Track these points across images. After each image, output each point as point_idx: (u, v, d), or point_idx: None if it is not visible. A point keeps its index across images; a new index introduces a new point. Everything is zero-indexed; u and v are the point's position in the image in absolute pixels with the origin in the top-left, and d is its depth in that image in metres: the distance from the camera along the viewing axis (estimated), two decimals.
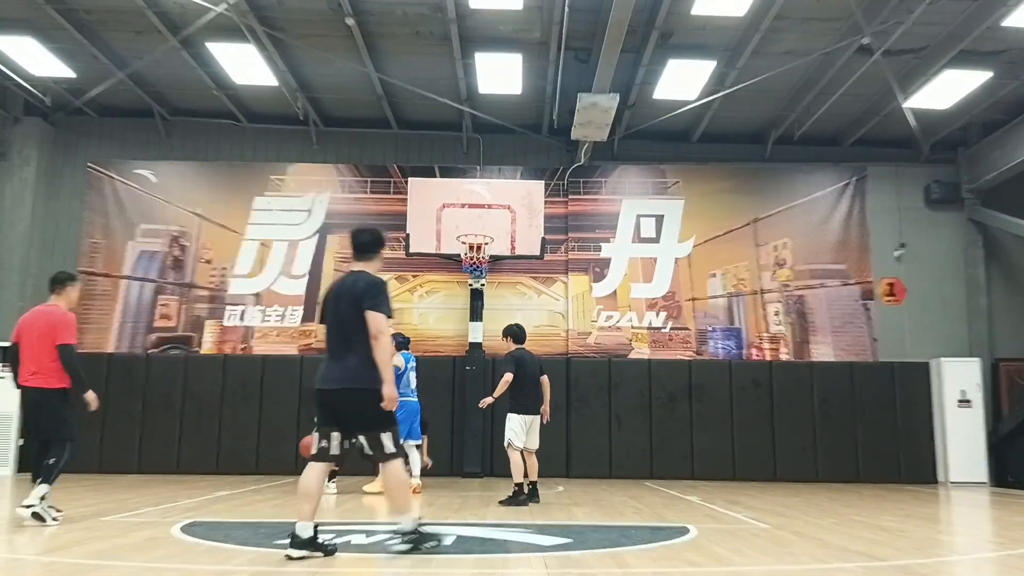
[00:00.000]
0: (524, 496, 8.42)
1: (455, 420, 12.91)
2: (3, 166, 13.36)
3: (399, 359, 9.77)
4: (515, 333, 8.88)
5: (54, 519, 6.36)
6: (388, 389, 4.96)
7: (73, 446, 6.60)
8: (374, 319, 4.99)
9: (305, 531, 4.90)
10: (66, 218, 13.67)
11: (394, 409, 5.05)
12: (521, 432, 8.45)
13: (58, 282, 6.95)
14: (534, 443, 8.59)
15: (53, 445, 6.53)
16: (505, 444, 8.51)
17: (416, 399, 9.92)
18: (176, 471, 12.43)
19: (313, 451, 5.09)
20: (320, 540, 4.97)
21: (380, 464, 5.12)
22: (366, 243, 5.44)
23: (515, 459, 8.40)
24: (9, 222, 13.27)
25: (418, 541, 5.13)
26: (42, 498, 6.32)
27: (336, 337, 5.09)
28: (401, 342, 10.03)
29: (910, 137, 13.34)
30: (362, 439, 5.03)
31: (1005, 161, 12.92)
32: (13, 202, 13.33)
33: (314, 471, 5.02)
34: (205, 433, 12.79)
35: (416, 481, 9.49)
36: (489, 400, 8.85)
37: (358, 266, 5.39)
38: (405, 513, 5.16)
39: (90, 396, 6.74)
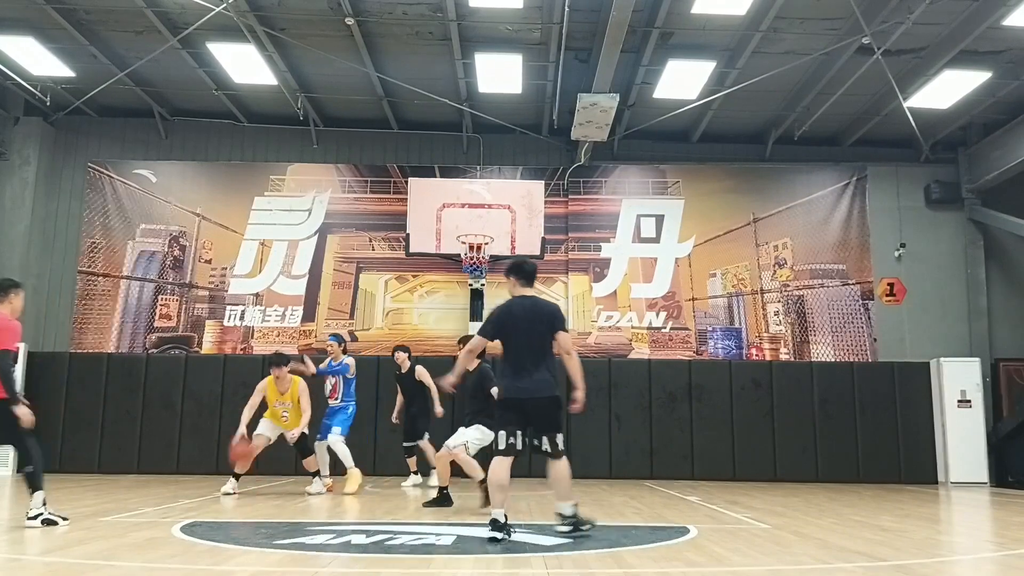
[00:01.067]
0: (436, 499, 8.08)
1: (455, 420, 12.87)
2: (3, 166, 13.37)
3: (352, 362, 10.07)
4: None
5: (64, 518, 6.34)
6: (581, 394, 5.96)
7: (36, 441, 6.42)
8: (567, 339, 6.01)
9: (501, 516, 5.67)
10: (66, 218, 13.67)
11: (583, 411, 6.05)
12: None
13: (1, 289, 6.80)
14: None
15: (18, 450, 6.42)
16: (455, 447, 7.80)
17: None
18: (176, 471, 12.43)
19: (501, 447, 5.85)
20: (509, 524, 5.72)
21: (551, 459, 5.90)
22: (532, 272, 6.35)
23: (467, 459, 7.78)
24: (9, 222, 13.27)
25: (577, 524, 5.89)
26: (44, 503, 6.29)
27: (529, 353, 5.88)
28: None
29: (910, 137, 13.33)
30: (545, 439, 5.89)
31: (1005, 161, 12.91)
32: (13, 202, 13.33)
33: (502, 464, 5.79)
34: (205, 433, 12.78)
35: (328, 481, 9.72)
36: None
37: (527, 291, 6.26)
38: (567, 500, 5.95)
39: (21, 411, 6.20)
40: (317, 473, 9.52)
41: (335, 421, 9.85)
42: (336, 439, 9.75)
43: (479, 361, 7.83)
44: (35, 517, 6.20)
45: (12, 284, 6.99)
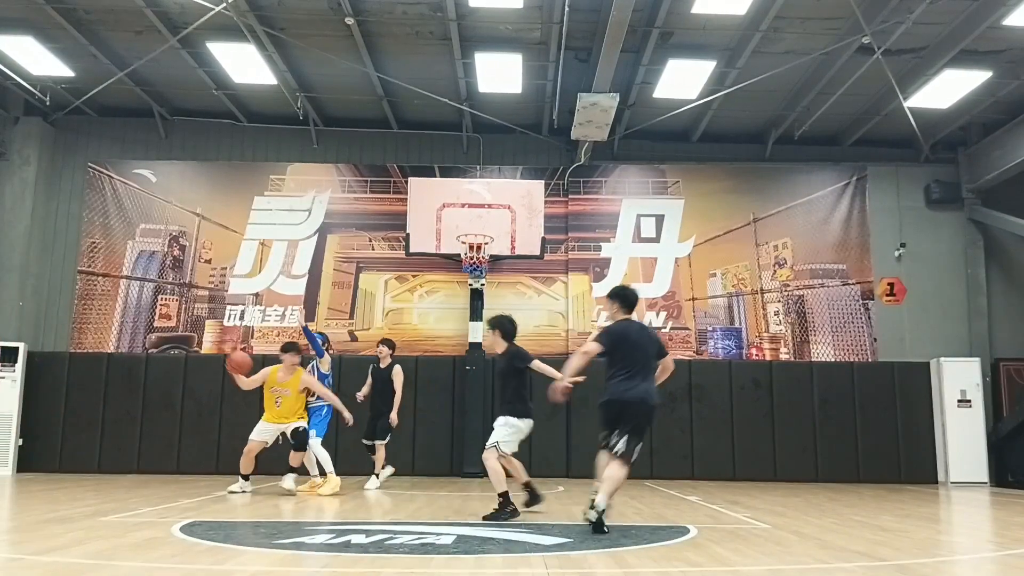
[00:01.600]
0: (512, 508, 7.47)
1: (455, 420, 12.90)
2: (3, 166, 13.36)
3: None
4: (506, 329, 8.16)
5: None
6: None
7: None
8: (670, 361, 6.95)
9: (603, 503, 6.29)
10: (66, 218, 13.66)
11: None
12: (518, 439, 7.64)
13: None
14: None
15: None
16: (488, 448, 7.42)
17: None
18: (176, 471, 12.44)
19: (618, 448, 6.49)
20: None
21: (616, 460, 6.45)
22: (635, 299, 7.03)
23: (496, 467, 7.36)
24: (9, 222, 13.27)
25: (603, 515, 6.34)
26: None
27: (641, 368, 6.63)
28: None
29: (910, 137, 13.33)
30: (623, 440, 6.51)
31: (1005, 161, 12.91)
32: (13, 202, 13.33)
33: (608, 460, 6.56)
34: (205, 433, 12.79)
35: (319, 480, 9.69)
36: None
37: (630, 315, 6.94)
38: (609, 497, 6.42)
39: None
40: (294, 470, 9.46)
41: (311, 424, 9.73)
42: (314, 442, 9.66)
43: (507, 344, 7.58)
44: None
45: None
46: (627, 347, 6.68)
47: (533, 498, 7.60)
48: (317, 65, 11.99)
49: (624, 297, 6.97)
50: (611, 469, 6.44)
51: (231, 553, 5.10)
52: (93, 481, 10.86)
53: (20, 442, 12.52)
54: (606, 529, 6.25)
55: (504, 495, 7.19)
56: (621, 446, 6.48)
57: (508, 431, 7.35)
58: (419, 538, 5.82)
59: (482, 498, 9.16)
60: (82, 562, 4.72)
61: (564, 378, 6.72)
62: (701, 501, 9.07)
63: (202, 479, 11.50)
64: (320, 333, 10.63)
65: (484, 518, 7.11)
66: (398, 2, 10.39)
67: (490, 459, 7.25)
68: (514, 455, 7.44)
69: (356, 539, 5.72)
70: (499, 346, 7.63)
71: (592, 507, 6.31)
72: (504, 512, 7.12)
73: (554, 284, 13.72)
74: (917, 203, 14.08)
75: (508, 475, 7.36)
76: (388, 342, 10.55)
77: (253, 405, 12.86)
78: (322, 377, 9.96)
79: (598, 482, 6.54)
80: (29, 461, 12.59)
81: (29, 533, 5.96)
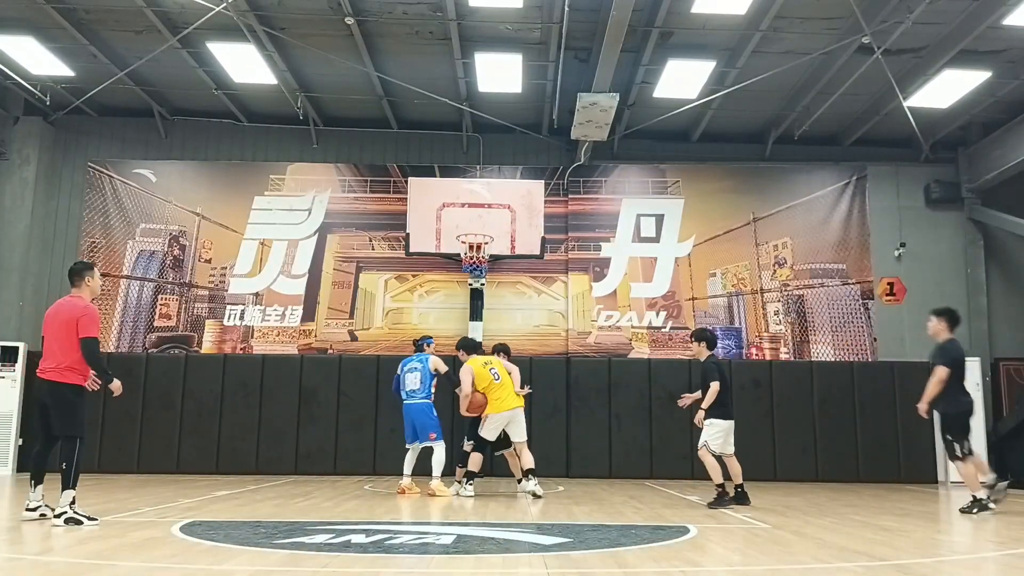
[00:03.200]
0: (728, 497, 8.51)
1: (454, 420, 12.87)
2: (3, 165, 13.37)
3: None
4: (709, 339, 9.09)
5: (91, 519, 6.32)
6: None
7: (83, 444, 6.51)
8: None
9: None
10: (66, 217, 13.67)
11: None
12: (726, 437, 8.64)
13: (75, 273, 6.69)
14: (731, 447, 8.76)
15: (63, 443, 6.45)
16: (701, 447, 8.65)
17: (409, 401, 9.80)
18: (176, 471, 12.43)
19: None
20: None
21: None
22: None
23: (712, 463, 8.55)
24: (9, 221, 13.27)
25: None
26: (72, 502, 6.29)
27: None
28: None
29: (910, 136, 13.33)
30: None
31: (1005, 160, 12.91)
32: (13, 201, 13.33)
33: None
34: (205, 433, 12.79)
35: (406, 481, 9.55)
36: (689, 399, 9.25)
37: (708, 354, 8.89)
38: (976, 489, 7.73)
39: (115, 385, 6.72)
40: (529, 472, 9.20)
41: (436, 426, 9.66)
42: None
43: (709, 353, 8.98)
44: (59, 515, 6.21)
45: (85, 266, 6.85)
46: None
47: (740, 498, 8.60)
48: (317, 65, 11.99)
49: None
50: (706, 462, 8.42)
51: (231, 553, 5.10)
52: (93, 481, 10.85)
53: (20, 442, 12.52)
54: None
55: (720, 487, 8.46)
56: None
57: (713, 431, 8.61)
58: (419, 538, 5.82)
59: (481, 498, 9.17)
60: (82, 562, 4.72)
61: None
62: (701, 501, 9.07)
63: (202, 479, 11.50)
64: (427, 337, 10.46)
65: (708, 505, 8.41)
66: (398, 2, 10.39)
67: (705, 456, 8.58)
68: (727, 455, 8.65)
69: (356, 539, 5.72)
70: (702, 355, 9.05)
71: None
72: (723, 500, 8.41)
73: (554, 284, 13.72)
74: (917, 203, 14.08)
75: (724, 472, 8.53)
76: (502, 347, 10.49)
77: (253, 405, 12.91)
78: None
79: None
80: (29, 461, 12.55)
81: (29, 533, 5.97)
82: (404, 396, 9.72)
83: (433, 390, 9.72)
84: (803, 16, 10.50)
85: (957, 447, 8.00)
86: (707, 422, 8.59)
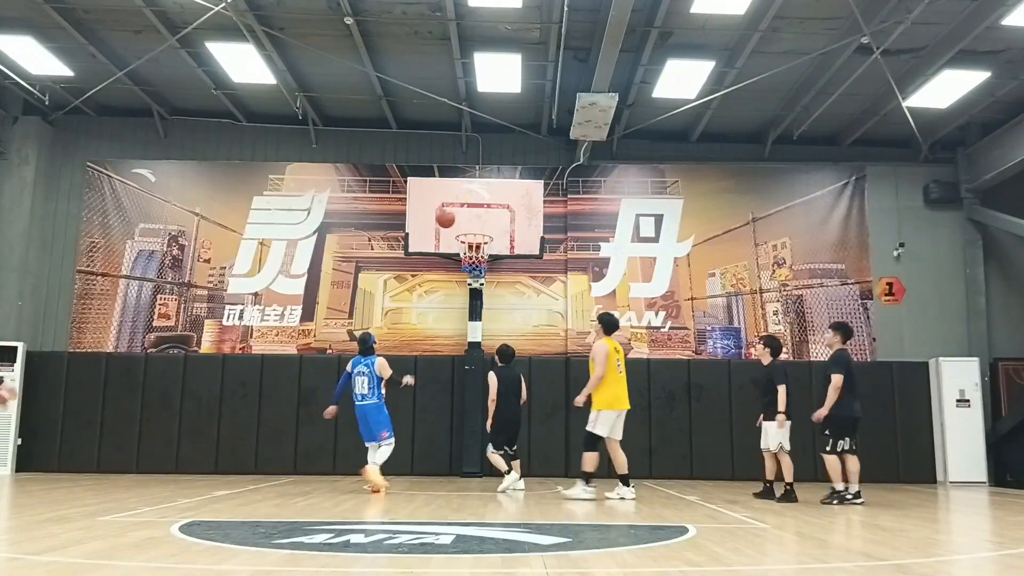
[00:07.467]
0: (795, 495, 9.14)
1: (454, 420, 12.90)
2: (2, 165, 13.35)
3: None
4: (775, 345, 9.78)
5: None
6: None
7: None
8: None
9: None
10: (65, 217, 13.65)
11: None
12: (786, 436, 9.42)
13: None
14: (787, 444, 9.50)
15: None
16: (777, 448, 9.42)
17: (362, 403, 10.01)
18: (175, 471, 12.43)
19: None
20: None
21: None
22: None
23: (786, 461, 9.35)
24: (8, 221, 13.26)
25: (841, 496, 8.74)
26: None
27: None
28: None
29: (909, 137, 13.33)
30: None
31: (1004, 161, 12.92)
32: (12, 201, 13.32)
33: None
34: (204, 433, 12.78)
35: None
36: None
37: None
38: (837, 482, 8.85)
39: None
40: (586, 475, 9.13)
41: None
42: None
43: (772, 359, 9.67)
44: None
45: None
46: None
47: (784, 496, 9.14)
48: (316, 65, 11.98)
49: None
50: (830, 462, 9.00)
51: (230, 553, 5.10)
52: (92, 481, 10.85)
53: (19, 441, 12.52)
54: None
55: (789, 484, 9.19)
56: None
57: (785, 431, 9.44)
58: (418, 538, 5.82)
59: (481, 497, 9.17)
60: (81, 562, 4.72)
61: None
62: (700, 501, 9.08)
63: (201, 479, 11.50)
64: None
65: (777, 500, 9.09)
66: (397, 2, 10.39)
67: (783, 458, 9.37)
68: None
69: (355, 539, 5.72)
70: (765, 359, 9.74)
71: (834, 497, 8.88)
72: (790, 496, 9.08)
73: (553, 284, 13.72)
74: (916, 203, 14.09)
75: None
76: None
77: (252, 405, 12.91)
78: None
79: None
80: (28, 461, 12.58)
81: (28, 533, 5.96)
82: (356, 398, 10.00)
83: (383, 390, 9.98)
84: (802, 16, 10.51)
85: (832, 443, 8.99)
86: (766, 425, 9.49)
